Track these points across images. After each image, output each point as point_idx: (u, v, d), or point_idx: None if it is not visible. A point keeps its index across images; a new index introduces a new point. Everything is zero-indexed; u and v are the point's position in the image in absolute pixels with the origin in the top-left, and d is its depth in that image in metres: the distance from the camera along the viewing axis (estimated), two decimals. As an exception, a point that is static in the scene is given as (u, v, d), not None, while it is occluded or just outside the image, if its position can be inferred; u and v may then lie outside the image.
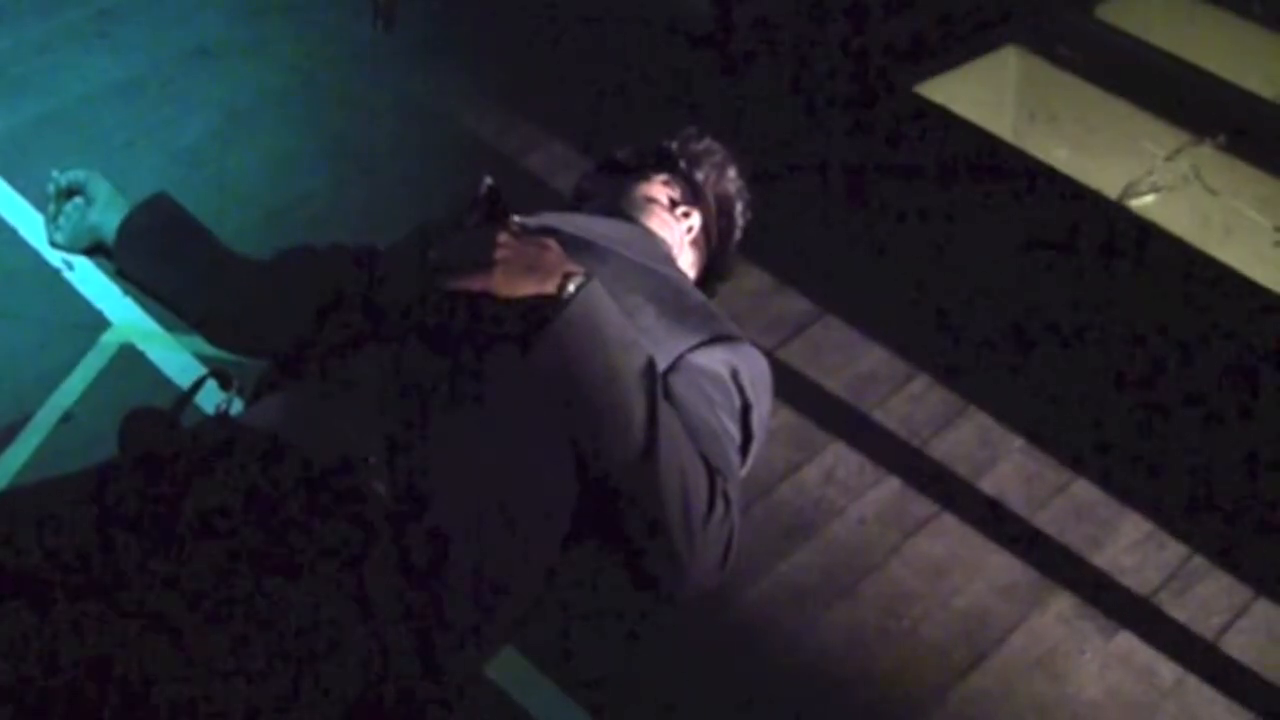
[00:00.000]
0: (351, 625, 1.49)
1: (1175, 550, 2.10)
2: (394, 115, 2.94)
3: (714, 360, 1.87)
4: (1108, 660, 1.95)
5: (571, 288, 1.72)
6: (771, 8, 3.20)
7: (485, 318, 1.73)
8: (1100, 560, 2.08)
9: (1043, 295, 2.53)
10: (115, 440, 1.62)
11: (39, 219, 2.52)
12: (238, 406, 1.81)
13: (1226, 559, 2.09)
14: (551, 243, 1.79)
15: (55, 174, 2.46)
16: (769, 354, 2.21)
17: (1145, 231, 2.69)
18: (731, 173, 2.29)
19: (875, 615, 2.00)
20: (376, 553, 1.53)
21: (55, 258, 2.47)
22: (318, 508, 1.54)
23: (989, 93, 3.12)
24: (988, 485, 2.19)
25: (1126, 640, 1.98)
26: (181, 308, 2.33)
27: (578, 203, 2.31)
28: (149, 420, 1.63)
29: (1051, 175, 2.80)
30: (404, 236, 2.07)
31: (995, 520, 2.13)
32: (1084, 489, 2.18)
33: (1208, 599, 2.04)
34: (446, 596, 1.57)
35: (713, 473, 1.75)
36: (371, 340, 1.77)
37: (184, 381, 2.21)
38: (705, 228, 2.23)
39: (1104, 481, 2.19)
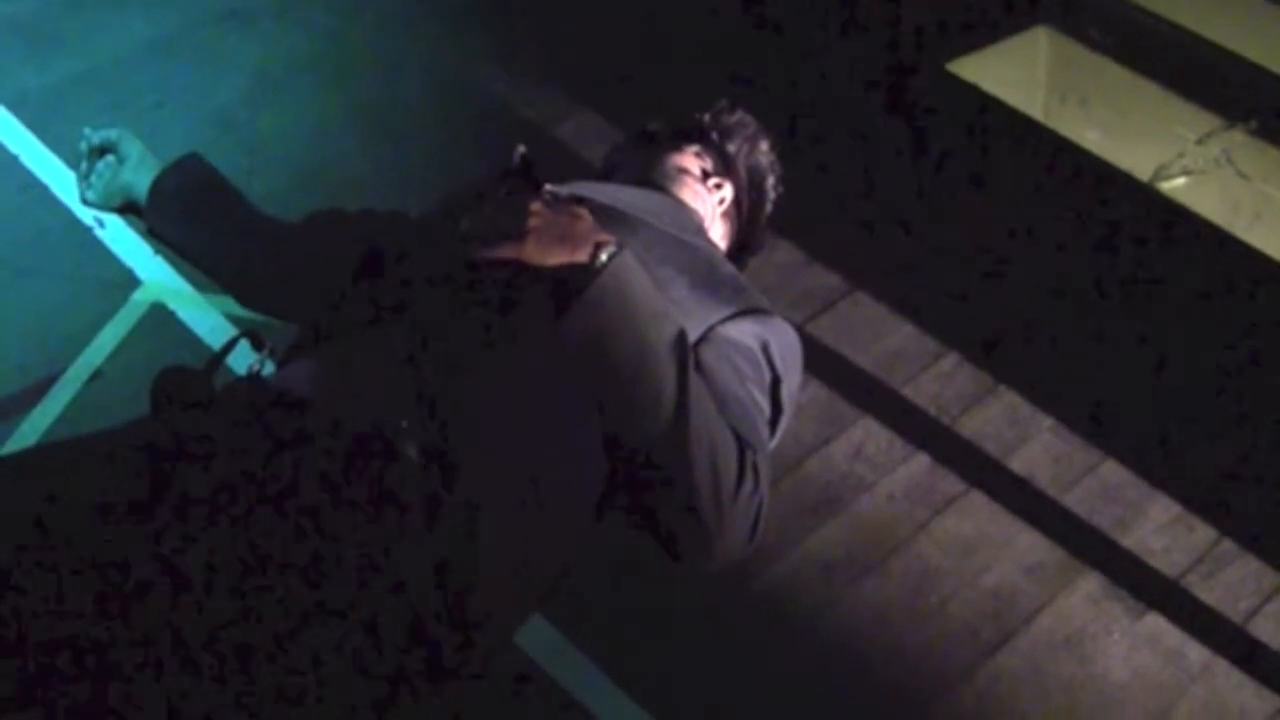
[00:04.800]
0: (382, 591, 1.48)
1: (1204, 533, 2.10)
2: (424, 81, 2.93)
3: (744, 333, 1.86)
4: (1135, 642, 1.95)
5: (603, 257, 1.70)
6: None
7: (516, 287, 1.73)
8: (1129, 542, 2.08)
9: (1073, 276, 2.52)
10: (145, 399, 1.61)
11: (71, 177, 2.52)
12: (269, 368, 1.81)
13: (1255, 543, 2.08)
14: (583, 212, 1.78)
15: (88, 132, 2.46)
16: (798, 328, 2.19)
17: (1175, 215, 2.68)
18: (764, 145, 2.27)
19: (903, 592, 2.00)
20: (407, 517, 1.52)
21: (87, 215, 2.47)
22: (348, 470, 1.53)
23: (1020, 73, 3.10)
24: (1017, 464, 2.18)
25: (1154, 622, 1.98)
26: (211, 268, 2.34)
27: (609, 173, 2.30)
28: (181, 380, 1.62)
29: (1082, 157, 2.78)
30: (435, 204, 2.06)
31: (1024, 499, 2.13)
32: (1113, 470, 2.18)
33: (1236, 582, 2.04)
34: (477, 564, 1.56)
35: (742, 445, 1.73)
36: (402, 306, 1.76)
37: (214, 341, 2.22)
38: (736, 200, 2.22)
39: (1133, 463, 2.19)
